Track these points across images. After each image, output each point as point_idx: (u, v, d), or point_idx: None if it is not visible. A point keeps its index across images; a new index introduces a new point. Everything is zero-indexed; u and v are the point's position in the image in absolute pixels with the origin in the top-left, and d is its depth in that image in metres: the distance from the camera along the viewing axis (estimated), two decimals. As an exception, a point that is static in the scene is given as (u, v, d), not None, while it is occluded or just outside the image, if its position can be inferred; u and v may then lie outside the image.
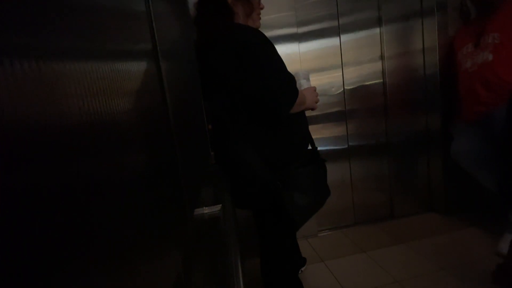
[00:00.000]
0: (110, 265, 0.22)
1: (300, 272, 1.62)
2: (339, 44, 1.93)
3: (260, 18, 1.08)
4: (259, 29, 1.01)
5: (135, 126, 0.30)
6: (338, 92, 1.97)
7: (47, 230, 0.15)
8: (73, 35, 0.20)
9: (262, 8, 1.08)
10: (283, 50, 1.74)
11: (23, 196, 0.14)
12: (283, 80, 0.92)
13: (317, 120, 1.96)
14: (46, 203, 0.15)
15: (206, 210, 0.72)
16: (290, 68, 0.98)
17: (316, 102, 1.08)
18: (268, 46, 0.91)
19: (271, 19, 1.71)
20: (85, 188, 0.20)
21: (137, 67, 0.34)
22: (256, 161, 0.93)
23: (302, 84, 1.07)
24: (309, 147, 1.12)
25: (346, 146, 2.04)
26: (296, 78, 1.05)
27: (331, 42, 1.92)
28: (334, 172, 2.02)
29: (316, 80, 1.90)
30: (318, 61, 1.92)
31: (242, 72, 0.90)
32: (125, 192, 0.25)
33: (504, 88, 1.33)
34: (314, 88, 1.08)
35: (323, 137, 2.00)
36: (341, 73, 1.96)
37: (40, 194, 0.15)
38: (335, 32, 1.92)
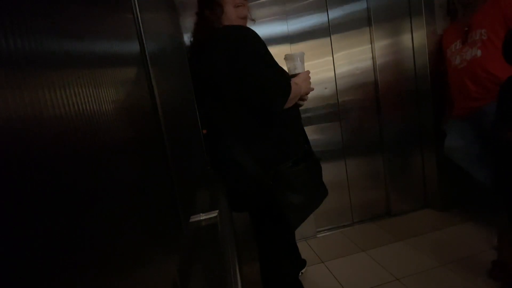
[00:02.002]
0: (102, 275, 0.21)
1: (300, 274, 1.62)
2: (330, 43, 1.95)
3: (243, 7, 1.01)
4: (249, 24, 1.00)
5: (123, 133, 0.30)
6: (330, 92, 1.99)
7: (40, 238, 0.15)
8: (55, 38, 0.20)
9: None
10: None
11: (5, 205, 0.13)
12: (275, 76, 0.92)
13: (311, 121, 1.97)
14: (36, 209, 0.15)
15: (203, 216, 0.72)
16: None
17: (310, 86, 1.07)
18: (258, 44, 0.91)
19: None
20: (76, 196, 0.19)
21: (125, 73, 0.34)
22: (246, 160, 0.92)
23: (297, 66, 1.05)
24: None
25: (340, 146, 2.04)
26: (292, 59, 1.04)
27: (322, 42, 1.94)
28: (331, 173, 2.02)
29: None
30: (310, 61, 1.93)
31: (234, 72, 0.90)
32: (113, 201, 0.25)
33: (494, 83, 1.35)
34: (308, 72, 1.06)
35: (317, 138, 2.00)
36: (333, 73, 1.97)
37: (30, 200, 0.15)
38: (326, 32, 1.93)
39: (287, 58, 1.06)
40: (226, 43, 0.89)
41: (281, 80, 0.92)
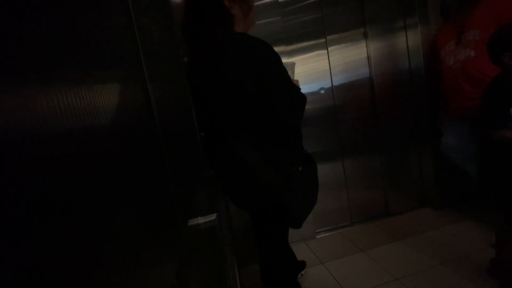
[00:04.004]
0: (102, 280, 0.21)
1: (300, 275, 1.62)
2: (325, 45, 1.96)
3: (252, 14, 1.05)
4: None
5: (120, 137, 0.30)
6: (327, 94, 2.00)
7: (43, 240, 0.15)
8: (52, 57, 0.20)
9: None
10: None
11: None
12: (295, 96, 0.95)
13: (309, 122, 1.98)
14: (35, 213, 0.15)
15: (201, 220, 0.71)
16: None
17: None
18: (279, 60, 0.93)
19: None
20: (73, 199, 0.19)
21: (121, 78, 0.34)
22: (258, 162, 0.94)
23: (289, 75, 1.09)
24: None
25: (339, 147, 2.05)
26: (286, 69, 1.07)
27: (318, 43, 1.95)
28: (329, 174, 2.03)
29: (304, 83, 1.93)
30: (307, 64, 1.94)
31: (256, 84, 0.90)
32: (111, 206, 0.25)
33: (487, 83, 1.37)
34: (297, 81, 1.10)
35: (315, 140, 2.01)
36: (329, 75, 1.98)
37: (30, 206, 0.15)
38: (321, 33, 1.95)
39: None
40: (251, 55, 0.89)
41: (298, 100, 0.97)
